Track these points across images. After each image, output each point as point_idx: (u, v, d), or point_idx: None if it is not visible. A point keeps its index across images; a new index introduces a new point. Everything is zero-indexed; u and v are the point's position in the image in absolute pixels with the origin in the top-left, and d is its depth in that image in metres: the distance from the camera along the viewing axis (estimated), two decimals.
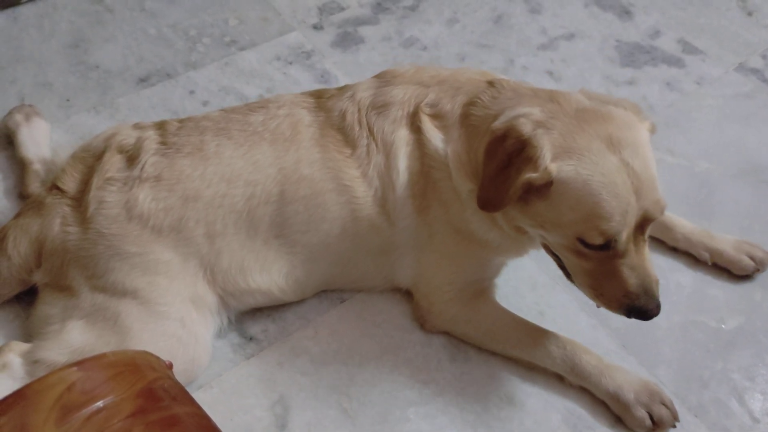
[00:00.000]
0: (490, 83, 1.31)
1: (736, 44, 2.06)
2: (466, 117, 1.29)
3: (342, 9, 2.06)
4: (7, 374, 1.21)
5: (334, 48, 1.95)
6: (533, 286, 1.51)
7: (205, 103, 1.78)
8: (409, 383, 1.35)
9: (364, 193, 1.32)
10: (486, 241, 1.33)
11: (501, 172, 1.16)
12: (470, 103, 1.29)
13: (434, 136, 1.30)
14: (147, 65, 1.85)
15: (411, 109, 1.33)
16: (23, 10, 1.93)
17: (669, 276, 1.54)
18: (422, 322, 1.42)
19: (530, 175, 1.13)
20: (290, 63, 1.90)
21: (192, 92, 1.80)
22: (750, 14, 2.16)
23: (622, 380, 1.31)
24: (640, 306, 1.17)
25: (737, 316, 1.49)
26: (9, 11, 1.92)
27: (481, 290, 1.39)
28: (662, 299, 1.50)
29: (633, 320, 1.45)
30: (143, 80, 1.82)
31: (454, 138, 1.29)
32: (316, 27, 2.00)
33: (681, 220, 1.57)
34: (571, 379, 1.34)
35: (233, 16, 2.01)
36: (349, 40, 1.98)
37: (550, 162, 1.13)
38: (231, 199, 1.29)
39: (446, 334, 1.42)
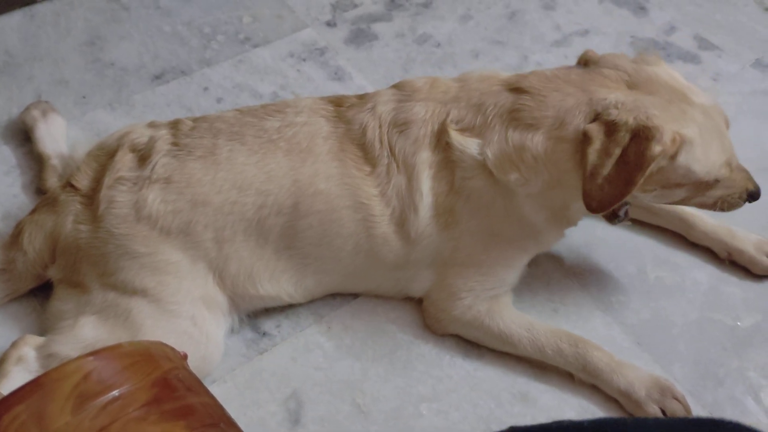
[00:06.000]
0: (518, 90, 1.29)
1: (753, 40, 2.04)
2: (513, 120, 1.27)
3: (355, 6, 2.06)
4: (23, 367, 1.22)
5: (348, 45, 1.96)
6: (547, 282, 1.50)
7: (219, 100, 1.79)
8: (422, 379, 1.35)
9: (381, 211, 1.31)
10: (539, 231, 1.34)
11: (617, 166, 1.19)
12: (514, 110, 1.28)
13: (468, 144, 1.28)
14: (162, 62, 1.86)
15: (435, 128, 1.31)
16: (40, 8, 1.95)
17: (685, 273, 1.53)
18: (434, 329, 1.41)
19: (658, 149, 1.18)
20: (304, 60, 1.90)
21: (206, 89, 1.81)
22: (767, 10, 2.14)
23: (633, 377, 1.30)
24: (756, 190, 1.36)
25: (754, 313, 1.48)
26: (26, 9, 1.94)
27: (497, 296, 1.38)
28: (678, 296, 1.50)
29: (647, 317, 1.46)
30: (158, 77, 1.83)
31: (494, 140, 1.28)
32: (330, 24, 2.01)
33: (703, 215, 1.55)
34: (583, 377, 1.34)
35: (247, 14, 2.01)
36: (363, 36, 1.98)
37: (674, 131, 1.20)
38: (241, 207, 1.29)
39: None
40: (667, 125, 1.19)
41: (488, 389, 1.34)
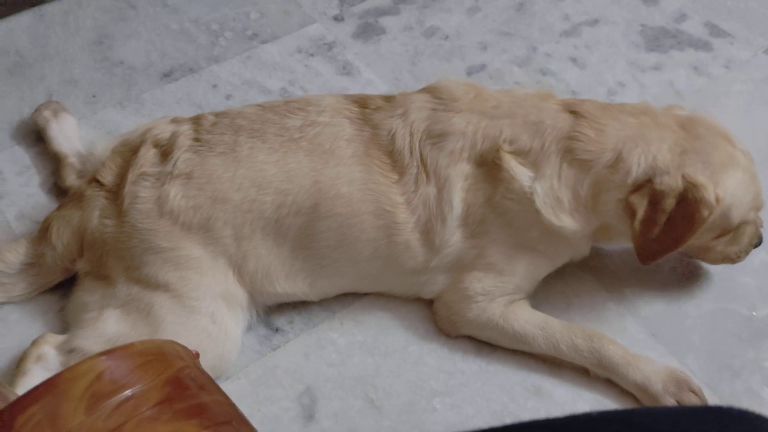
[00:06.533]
0: (576, 113, 1.29)
1: (765, 26, 2.02)
2: (569, 151, 1.27)
3: (362, 0, 2.05)
4: (42, 365, 1.23)
5: (356, 39, 1.95)
6: (561, 275, 1.49)
7: (228, 97, 1.79)
8: (434, 374, 1.35)
9: (404, 219, 1.30)
10: (577, 249, 1.37)
11: (665, 229, 1.23)
12: (571, 137, 1.27)
13: (520, 173, 1.27)
14: (170, 60, 1.86)
15: (479, 143, 1.29)
16: (48, 8, 1.96)
17: (699, 264, 1.51)
18: (447, 331, 1.39)
19: (706, 213, 1.20)
20: (312, 55, 1.90)
21: (215, 86, 1.81)
22: None
23: (649, 371, 1.29)
24: (762, 238, 1.41)
25: None
26: (35, 9, 1.95)
27: (513, 299, 1.37)
28: (692, 287, 1.49)
29: (661, 308, 1.44)
30: (167, 75, 1.83)
31: (546, 174, 1.27)
32: (337, 18, 2.00)
33: None
34: (599, 372, 1.32)
35: (254, 10, 2.01)
36: (370, 30, 1.97)
37: (716, 190, 1.22)
38: (260, 205, 1.28)
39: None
40: (710, 182, 1.22)
41: (501, 384, 1.34)
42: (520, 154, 1.28)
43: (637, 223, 1.23)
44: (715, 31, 2.00)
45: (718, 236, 1.34)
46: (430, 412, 1.30)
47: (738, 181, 1.26)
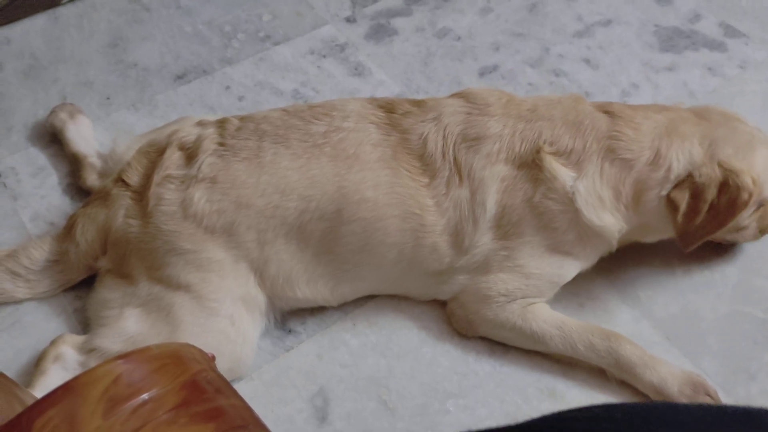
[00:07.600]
0: (610, 113, 1.32)
1: None
2: (610, 151, 1.29)
3: (375, 1, 2.05)
4: (60, 365, 1.25)
5: (368, 40, 1.95)
6: (573, 277, 1.49)
7: (241, 98, 1.80)
8: (448, 375, 1.35)
9: (433, 222, 1.30)
10: (607, 249, 1.38)
11: (707, 217, 1.28)
12: (611, 136, 1.30)
13: (563, 173, 1.29)
14: (183, 62, 1.87)
15: (517, 145, 1.30)
16: (63, 11, 1.97)
17: (714, 266, 1.50)
18: (464, 331, 1.39)
19: (746, 197, 1.24)
20: (324, 56, 1.90)
21: (228, 88, 1.82)
22: None
23: (665, 372, 1.29)
24: None
25: None
26: (50, 12, 1.96)
27: (532, 302, 1.36)
28: (707, 290, 1.48)
29: (676, 311, 1.43)
30: (180, 77, 1.84)
31: (589, 173, 1.29)
32: (349, 20, 2.00)
33: None
34: (615, 373, 1.32)
35: (267, 12, 2.02)
36: (383, 32, 1.97)
37: (750, 172, 1.26)
38: (283, 211, 1.29)
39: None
40: (744, 167, 1.26)
41: (515, 385, 1.34)
42: (561, 154, 1.30)
43: (680, 216, 1.28)
44: (730, 31, 1.98)
45: (753, 213, 1.36)
46: (443, 414, 1.30)
47: (764, 158, 1.30)
